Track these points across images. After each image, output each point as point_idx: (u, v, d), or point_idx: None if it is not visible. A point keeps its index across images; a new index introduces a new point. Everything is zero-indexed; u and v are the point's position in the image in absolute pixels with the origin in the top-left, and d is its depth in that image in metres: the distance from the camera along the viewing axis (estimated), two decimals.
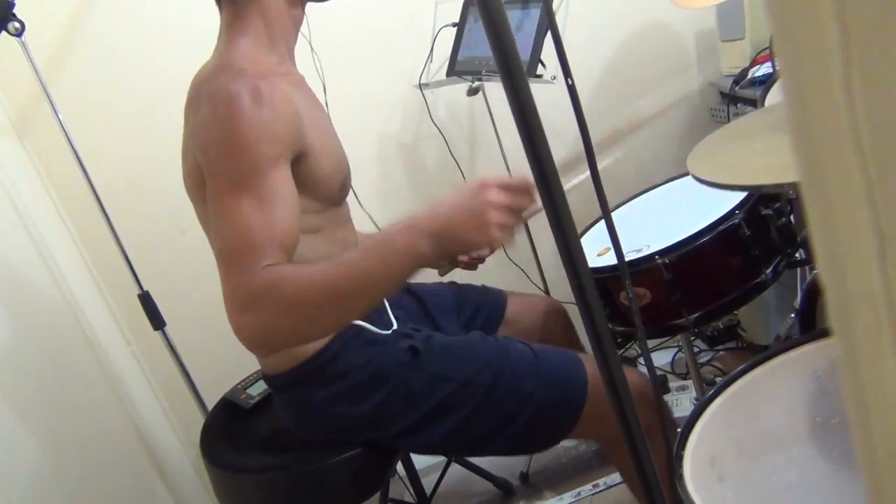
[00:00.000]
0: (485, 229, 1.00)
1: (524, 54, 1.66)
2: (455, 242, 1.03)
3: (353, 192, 1.36)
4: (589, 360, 1.31)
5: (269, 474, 1.37)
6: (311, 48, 1.35)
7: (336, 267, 1.02)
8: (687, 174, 1.26)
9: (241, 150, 1.02)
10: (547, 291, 2.10)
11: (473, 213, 1.01)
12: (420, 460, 1.99)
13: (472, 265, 1.55)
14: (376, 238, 1.04)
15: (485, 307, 1.59)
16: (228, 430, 1.55)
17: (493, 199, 1.00)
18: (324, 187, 1.20)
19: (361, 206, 1.88)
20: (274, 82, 1.09)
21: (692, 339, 2.16)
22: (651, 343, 2.28)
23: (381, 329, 1.32)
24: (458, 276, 1.59)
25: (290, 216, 1.05)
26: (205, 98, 1.08)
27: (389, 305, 1.39)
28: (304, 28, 1.29)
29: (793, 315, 1.76)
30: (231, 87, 1.04)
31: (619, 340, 1.60)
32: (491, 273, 2.09)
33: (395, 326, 1.34)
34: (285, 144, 1.08)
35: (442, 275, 1.61)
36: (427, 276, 1.29)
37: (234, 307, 0.97)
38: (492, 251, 1.05)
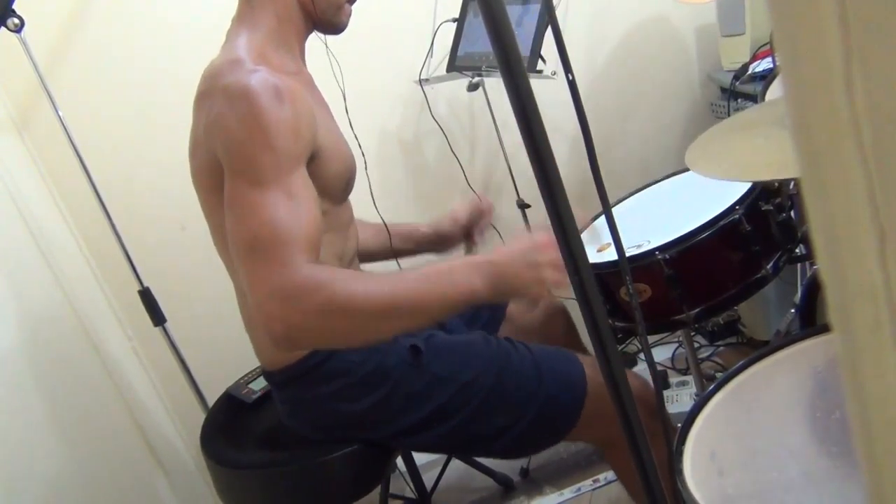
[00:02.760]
0: (540, 284, 1.07)
1: (524, 50, 1.66)
2: (509, 289, 1.07)
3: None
4: (588, 363, 1.31)
5: (269, 470, 1.37)
6: (328, 51, 1.35)
7: (392, 284, 1.04)
8: (688, 169, 1.26)
9: (264, 144, 1.02)
10: None
11: (532, 266, 1.06)
12: (420, 456, 1.99)
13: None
14: (436, 267, 1.06)
15: (487, 306, 1.59)
16: (229, 426, 1.55)
17: (552, 258, 1.06)
18: (331, 187, 1.20)
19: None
20: (288, 80, 1.09)
21: (692, 334, 2.16)
22: (651, 339, 2.29)
23: None
24: None
25: (315, 214, 1.06)
26: (220, 93, 1.07)
27: None
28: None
29: (793, 310, 1.77)
30: (249, 82, 1.04)
31: (619, 336, 1.60)
32: None
33: None
34: (305, 142, 1.08)
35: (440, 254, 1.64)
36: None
37: (270, 296, 0.97)
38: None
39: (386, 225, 1.52)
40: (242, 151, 1.03)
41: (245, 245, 1.01)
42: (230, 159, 1.05)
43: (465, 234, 1.63)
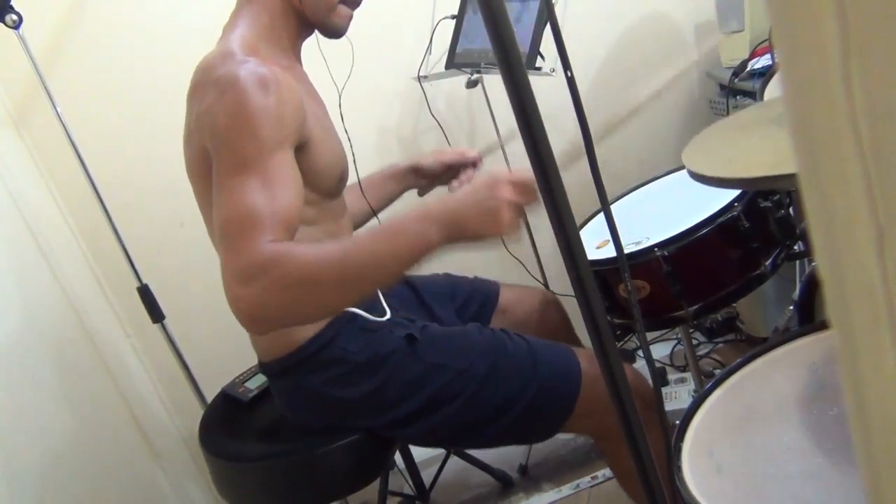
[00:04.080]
0: (496, 223, 1.04)
1: (523, 46, 1.66)
2: (465, 233, 1.05)
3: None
4: (583, 355, 1.32)
5: (267, 462, 1.37)
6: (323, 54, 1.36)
7: (344, 247, 1.04)
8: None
9: (247, 132, 1.03)
10: (546, 284, 2.11)
11: (486, 206, 1.04)
12: (419, 453, 2.00)
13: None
14: (387, 223, 1.05)
15: (478, 295, 1.61)
16: (227, 422, 1.56)
17: (504, 196, 1.04)
18: (322, 180, 1.21)
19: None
20: (277, 70, 1.10)
21: (691, 331, 2.16)
22: (650, 335, 2.29)
23: (375, 317, 1.33)
24: (451, 267, 1.60)
25: (292, 197, 1.06)
26: (211, 84, 1.09)
27: (382, 294, 1.39)
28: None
29: (791, 307, 1.77)
30: (238, 72, 1.06)
31: (618, 333, 1.60)
32: (490, 266, 2.09)
33: (388, 315, 1.35)
34: (290, 130, 1.09)
35: (421, 195, 1.66)
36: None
37: (233, 279, 0.97)
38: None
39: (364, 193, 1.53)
40: (226, 139, 1.05)
41: (219, 231, 1.02)
42: (215, 147, 1.07)
43: (448, 175, 1.63)
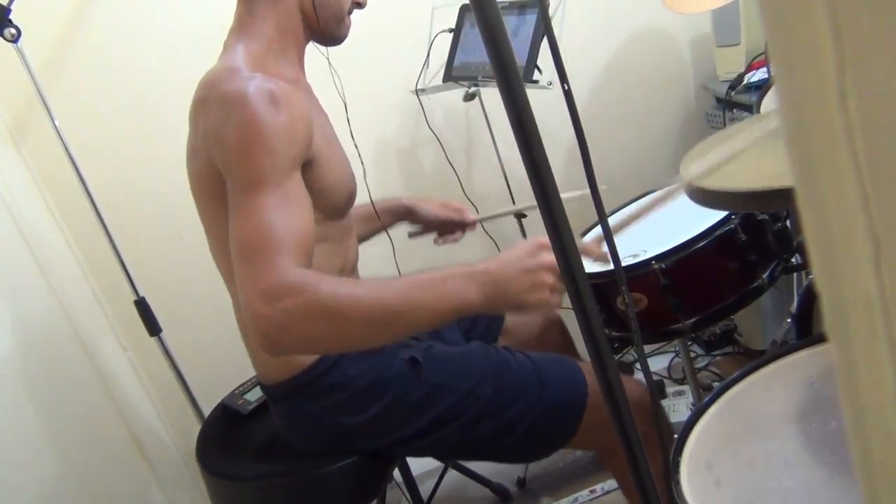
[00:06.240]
0: (537, 290, 1.03)
1: (520, 60, 1.66)
2: (506, 298, 1.04)
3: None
4: (589, 369, 1.31)
5: (265, 482, 1.36)
6: (329, 63, 1.36)
7: (382, 290, 1.01)
8: None
9: (260, 148, 1.02)
10: None
11: (528, 272, 1.03)
12: (417, 466, 1.99)
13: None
14: (429, 275, 1.03)
15: (484, 315, 1.60)
16: (225, 437, 1.55)
17: (548, 262, 1.03)
18: (328, 198, 1.20)
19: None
20: (285, 85, 1.10)
21: (689, 343, 2.16)
22: (648, 348, 2.28)
23: None
24: None
25: (310, 219, 1.06)
26: (216, 100, 1.07)
27: None
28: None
29: (789, 320, 1.77)
30: (246, 89, 1.05)
31: (615, 346, 1.59)
32: None
33: None
34: (301, 146, 1.08)
35: (411, 237, 1.70)
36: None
37: (257, 295, 0.96)
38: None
39: (377, 211, 1.54)
40: (240, 157, 1.03)
41: (238, 248, 1.01)
42: (228, 165, 1.05)
43: (440, 227, 1.66)
